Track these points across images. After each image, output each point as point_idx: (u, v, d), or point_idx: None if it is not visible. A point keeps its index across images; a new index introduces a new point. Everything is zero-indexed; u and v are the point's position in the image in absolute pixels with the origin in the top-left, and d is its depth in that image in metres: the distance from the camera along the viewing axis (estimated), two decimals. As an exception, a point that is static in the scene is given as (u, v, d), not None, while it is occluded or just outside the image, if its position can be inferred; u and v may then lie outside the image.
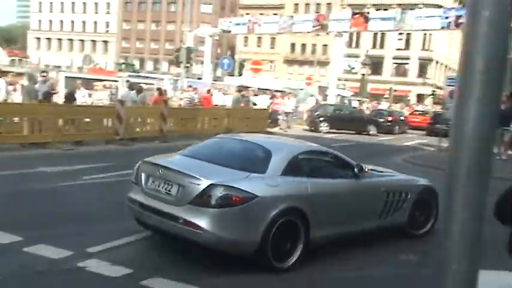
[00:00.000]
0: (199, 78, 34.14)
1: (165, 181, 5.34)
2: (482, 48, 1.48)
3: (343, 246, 6.06)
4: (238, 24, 35.47)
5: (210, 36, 37.11)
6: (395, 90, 55.70)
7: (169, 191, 5.28)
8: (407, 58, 63.90)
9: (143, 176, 5.63)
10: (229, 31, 36.30)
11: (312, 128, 24.49)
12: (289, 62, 72.76)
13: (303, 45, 71.40)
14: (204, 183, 5.03)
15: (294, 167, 5.64)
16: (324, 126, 24.29)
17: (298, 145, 6.53)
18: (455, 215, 1.54)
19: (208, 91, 21.91)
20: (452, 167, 1.52)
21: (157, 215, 5.30)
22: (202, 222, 4.96)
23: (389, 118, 28.56)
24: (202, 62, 39.33)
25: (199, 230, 4.95)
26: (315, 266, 5.49)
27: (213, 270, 5.20)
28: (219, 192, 4.98)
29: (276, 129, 21.85)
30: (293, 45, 72.17)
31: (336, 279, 5.38)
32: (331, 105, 28.56)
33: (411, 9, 33.60)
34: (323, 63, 63.11)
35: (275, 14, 50.23)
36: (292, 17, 35.87)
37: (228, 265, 5.21)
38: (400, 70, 64.84)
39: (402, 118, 31.19)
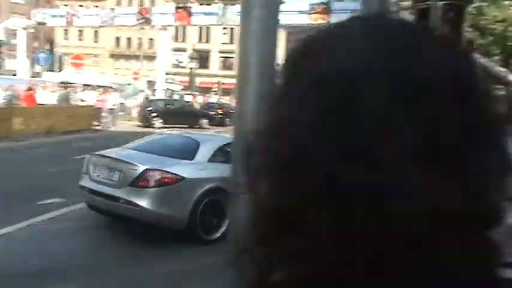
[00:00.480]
0: (14, 75, 31.30)
1: (109, 169, 6.57)
2: (255, 45, 1.61)
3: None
4: (54, 16, 33.13)
5: (24, 28, 34.18)
6: (223, 83, 57.32)
7: (112, 177, 6.49)
8: (233, 52, 66.19)
9: (91, 166, 6.86)
10: (45, 23, 33.80)
11: (146, 124, 24.14)
12: (115, 56, 70.35)
13: (129, 39, 69.59)
14: (140, 168, 6.25)
15: (219, 155, 6.83)
16: (157, 122, 24.11)
17: (223, 138, 7.77)
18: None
19: (30, 89, 20.25)
20: (233, 158, 1.62)
21: (103, 198, 6.48)
22: (140, 201, 6.15)
23: (220, 111, 29.36)
24: (16, 57, 36.09)
25: (137, 207, 6.14)
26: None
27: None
28: (153, 175, 6.20)
29: (99, 127, 21.05)
30: (118, 39, 69.89)
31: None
32: (162, 100, 28.41)
33: (232, 4, 34.74)
34: (150, 58, 62.24)
35: (96, 6, 48.12)
36: (113, 9, 34.70)
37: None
38: (227, 64, 66.85)
39: (232, 110, 32.25)
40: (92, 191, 6.70)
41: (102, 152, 7.09)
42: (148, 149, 7.08)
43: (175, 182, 6.30)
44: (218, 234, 6.43)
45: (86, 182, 6.87)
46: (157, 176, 6.24)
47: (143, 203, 6.14)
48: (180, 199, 6.28)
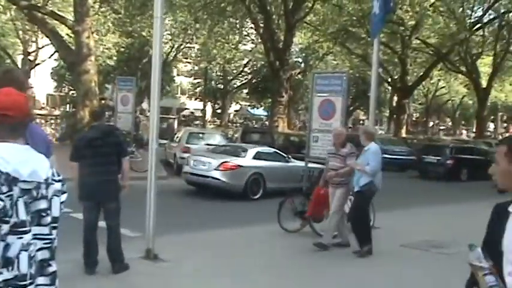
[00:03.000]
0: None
1: (202, 162, 12.93)
2: None
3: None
4: None
5: None
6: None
7: (204, 165, 12.69)
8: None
9: (190, 160, 13.42)
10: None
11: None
12: None
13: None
14: (220, 161, 12.64)
15: (258, 155, 13.37)
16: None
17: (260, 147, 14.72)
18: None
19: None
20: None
21: (199, 177, 12.78)
22: (220, 177, 12.36)
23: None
24: None
25: (218, 180, 12.36)
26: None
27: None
28: (226, 164, 12.62)
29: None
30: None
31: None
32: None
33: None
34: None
35: None
36: None
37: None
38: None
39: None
40: (192, 174, 13.07)
41: (197, 152, 14.61)
42: (221, 151, 14.15)
43: (236, 168, 12.70)
44: (258, 195, 12.83)
45: (187, 169, 13.34)
46: (228, 165, 12.65)
47: (222, 178, 12.46)
48: (240, 177, 12.59)
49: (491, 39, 38.28)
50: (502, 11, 33.79)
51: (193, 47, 40.87)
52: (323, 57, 35.08)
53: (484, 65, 45.48)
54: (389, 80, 36.79)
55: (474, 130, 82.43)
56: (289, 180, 12.62)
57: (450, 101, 66.76)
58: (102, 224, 6.14)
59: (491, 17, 36.07)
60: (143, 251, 6.72)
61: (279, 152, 14.18)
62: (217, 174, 12.39)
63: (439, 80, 51.64)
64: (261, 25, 26.60)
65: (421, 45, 36.13)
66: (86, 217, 6.03)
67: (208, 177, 12.46)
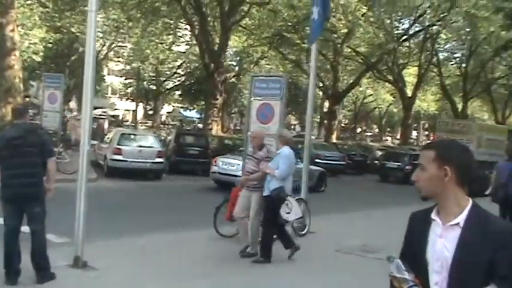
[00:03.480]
0: None
1: (231, 163, 14.96)
2: None
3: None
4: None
5: None
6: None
7: (233, 167, 14.53)
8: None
9: (219, 162, 15.49)
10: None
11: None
12: None
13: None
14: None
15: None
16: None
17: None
18: None
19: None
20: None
21: (229, 176, 14.37)
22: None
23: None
24: None
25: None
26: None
27: None
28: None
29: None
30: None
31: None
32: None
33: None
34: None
35: None
36: None
37: None
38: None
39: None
40: (221, 173, 15.17)
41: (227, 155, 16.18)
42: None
43: None
44: None
45: (215, 169, 15.46)
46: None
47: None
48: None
49: (416, 51, 40.06)
50: (427, 24, 35.41)
51: (126, 46, 39.80)
52: (258, 62, 35.22)
53: (409, 75, 47.54)
54: (322, 86, 37.56)
55: (398, 137, 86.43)
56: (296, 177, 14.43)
57: (377, 109, 69.25)
58: (25, 229, 5.69)
59: (417, 29, 37.77)
60: (71, 258, 6.30)
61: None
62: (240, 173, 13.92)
63: (367, 87, 53.37)
64: (197, 27, 26.27)
65: (351, 54, 37.15)
66: (7, 222, 5.57)
67: (237, 176, 13.45)
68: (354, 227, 10.69)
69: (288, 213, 9.02)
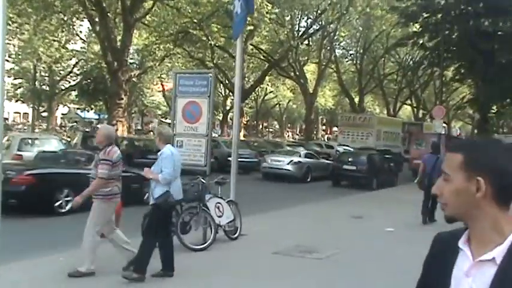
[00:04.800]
0: None
1: (277, 160, 21.99)
2: None
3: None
4: None
5: None
6: None
7: (279, 162, 21.58)
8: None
9: (267, 159, 22.32)
10: None
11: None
12: None
13: None
14: (289, 159, 21.86)
15: (307, 155, 23.83)
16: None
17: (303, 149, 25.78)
18: None
19: None
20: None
21: (276, 169, 21.45)
22: (291, 169, 21.52)
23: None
24: None
25: (289, 171, 21.34)
26: None
27: None
28: (293, 160, 22.01)
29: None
30: None
31: None
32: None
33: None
34: None
35: None
36: None
37: None
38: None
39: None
40: (271, 168, 21.44)
41: (272, 154, 23.40)
42: (285, 152, 24.08)
43: (299, 163, 21.51)
44: (308, 179, 21.54)
45: (265, 165, 21.67)
46: (295, 160, 21.46)
47: (292, 169, 21.04)
48: (300, 168, 21.36)
49: (315, 48, 41.26)
50: (327, 22, 36.52)
51: (15, 44, 36.75)
52: (163, 60, 34.17)
53: (310, 72, 48.94)
54: (227, 83, 37.37)
55: (298, 132, 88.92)
56: (322, 170, 22.35)
57: (278, 105, 70.58)
58: None
59: (316, 27, 38.88)
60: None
61: (313, 153, 24.36)
62: (288, 167, 21.09)
63: (267, 84, 54.19)
64: (98, 23, 24.80)
65: (254, 51, 37.35)
66: None
67: (283, 169, 21.02)
68: (284, 227, 10.49)
69: (220, 216, 8.66)
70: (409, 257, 8.12)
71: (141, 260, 6.24)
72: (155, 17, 29.39)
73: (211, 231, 8.25)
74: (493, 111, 36.50)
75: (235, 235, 8.96)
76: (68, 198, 10.21)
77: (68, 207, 10.17)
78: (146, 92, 53.43)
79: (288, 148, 27.79)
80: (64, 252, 7.23)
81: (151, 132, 59.19)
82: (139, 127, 62.50)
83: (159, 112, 67.91)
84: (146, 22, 29.37)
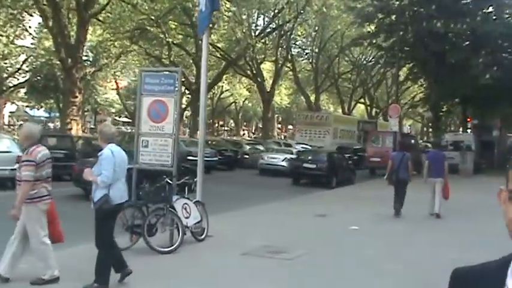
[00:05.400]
0: None
1: (274, 157, 25.18)
2: None
3: None
4: None
5: None
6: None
7: (275, 159, 24.80)
8: None
9: (265, 156, 25.22)
10: None
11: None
12: None
13: None
14: (283, 157, 25.10)
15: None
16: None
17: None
18: None
19: None
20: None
21: (272, 166, 24.41)
22: (286, 164, 24.10)
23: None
24: None
25: (284, 167, 23.94)
26: None
27: None
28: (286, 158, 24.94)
29: None
30: None
31: None
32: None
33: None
34: None
35: None
36: None
37: None
38: None
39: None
40: (267, 164, 24.07)
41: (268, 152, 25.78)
42: (280, 150, 27.18)
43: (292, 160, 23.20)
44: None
45: (262, 162, 24.29)
46: (288, 158, 23.74)
47: (286, 165, 23.11)
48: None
49: (272, 46, 41.37)
50: (285, 20, 36.67)
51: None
52: (118, 57, 33.38)
53: (265, 70, 49.04)
54: (184, 80, 36.97)
55: (254, 130, 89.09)
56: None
57: (234, 104, 70.45)
58: None
59: (273, 26, 38.99)
60: None
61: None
62: (283, 163, 23.42)
63: (223, 83, 53.99)
64: (50, 18, 23.92)
65: (211, 49, 37.06)
66: None
67: (278, 165, 23.29)
68: (250, 226, 10.42)
69: (187, 217, 8.49)
70: (376, 256, 8.23)
71: (101, 271, 5.94)
72: (110, 13, 28.66)
73: (179, 233, 8.07)
74: (444, 110, 37.66)
75: (203, 236, 8.81)
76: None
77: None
78: (99, 89, 52.23)
79: (279, 147, 29.25)
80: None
81: (105, 131, 57.91)
82: (92, 126, 61.04)
83: (113, 110, 66.50)
84: (101, 18, 28.61)
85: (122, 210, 6.37)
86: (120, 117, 70.85)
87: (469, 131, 38.61)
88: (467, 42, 29.39)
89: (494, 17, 29.43)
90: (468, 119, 39.41)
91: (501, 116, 41.70)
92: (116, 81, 49.83)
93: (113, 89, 53.69)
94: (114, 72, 43.88)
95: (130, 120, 53.14)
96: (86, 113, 54.02)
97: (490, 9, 29.93)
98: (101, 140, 6.15)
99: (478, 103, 34.25)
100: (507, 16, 30.02)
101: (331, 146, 29.71)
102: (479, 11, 29.62)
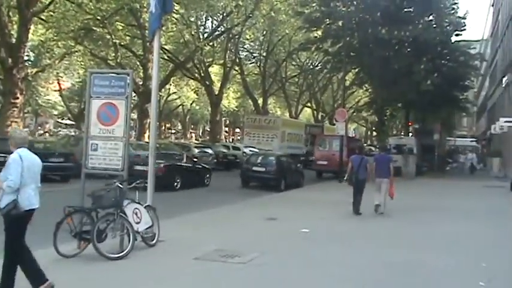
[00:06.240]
0: None
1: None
2: None
3: None
4: None
5: None
6: None
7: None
8: None
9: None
10: None
11: None
12: None
13: None
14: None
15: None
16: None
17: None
18: None
19: None
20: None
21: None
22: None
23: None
24: None
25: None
26: None
27: None
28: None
29: None
30: None
31: None
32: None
33: None
34: None
35: None
36: None
37: None
38: None
39: None
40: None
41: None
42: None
43: None
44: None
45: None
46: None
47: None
48: None
49: (220, 49, 41.32)
50: (233, 24, 36.68)
51: None
52: (62, 57, 32.33)
53: (213, 73, 48.92)
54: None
55: (201, 134, 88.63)
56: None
57: (181, 106, 69.84)
58: None
59: (222, 29, 38.96)
60: None
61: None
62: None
63: (170, 85, 53.47)
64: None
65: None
66: None
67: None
68: (202, 231, 10.33)
69: (138, 222, 8.32)
70: (327, 258, 8.36)
71: (6, 283, 5.66)
72: (54, 12, 27.73)
73: (129, 238, 7.89)
74: (387, 114, 38.80)
75: (154, 241, 8.66)
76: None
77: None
78: (41, 91, 50.49)
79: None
80: None
81: (47, 134, 56.03)
82: (32, 128, 58.87)
83: (55, 112, 64.44)
84: (44, 17, 27.63)
85: (30, 217, 6.04)
86: (63, 119, 68.69)
87: (410, 134, 39.97)
88: (410, 49, 30.43)
89: (434, 26, 30.65)
90: (410, 123, 40.80)
91: (441, 120, 43.49)
92: (58, 83, 48.29)
93: (55, 91, 52.02)
94: (57, 73, 42.54)
95: (74, 123, 51.60)
96: (26, 115, 52.04)
97: (431, 17, 31.17)
98: (12, 144, 5.88)
99: (420, 108, 35.53)
100: (446, 25, 31.32)
101: (279, 150, 29.97)
102: (421, 19, 30.77)
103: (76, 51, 32.61)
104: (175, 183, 18.37)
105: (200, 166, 21.20)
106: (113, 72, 9.63)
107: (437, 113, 40.16)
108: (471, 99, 60.66)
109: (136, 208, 8.26)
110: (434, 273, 7.61)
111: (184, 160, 20.47)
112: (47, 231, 7.41)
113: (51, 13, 27.61)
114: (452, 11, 31.93)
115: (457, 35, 32.12)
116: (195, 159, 22.05)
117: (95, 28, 28.61)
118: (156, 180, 9.58)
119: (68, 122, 62.25)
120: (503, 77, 35.62)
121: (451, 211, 15.19)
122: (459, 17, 31.99)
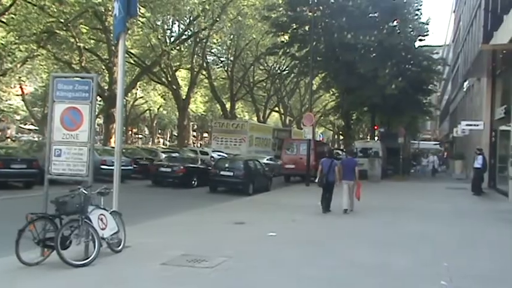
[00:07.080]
0: None
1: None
2: None
3: None
4: None
5: None
6: None
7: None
8: None
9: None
10: None
11: None
12: None
13: None
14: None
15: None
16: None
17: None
18: None
19: None
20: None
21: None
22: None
23: None
24: None
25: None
26: None
27: None
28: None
29: None
30: None
31: None
32: None
33: None
34: None
35: None
36: None
37: None
38: None
39: None
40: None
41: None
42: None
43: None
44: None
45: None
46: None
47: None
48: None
49: (187, 54, 41.14)
50: (200, 28, 36.58)
51: None
52: (24, 61, 31.57)
53: (180, 77, 48.65)
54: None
55: (169, 138, 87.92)
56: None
57: (149, 111, 69.17)
58: None
59: (189, 33, 38.80)
60: None
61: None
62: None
63: (137, 90, 52.91)
64: None
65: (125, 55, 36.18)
66: None
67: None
68: (168, 236, 10.24)
69: (103, 228, 8.18)
70: (295, 260, 8.40)
71: None
72: (15, 15, 27.08)
73: (94, 244, 7.76)
74: (354, 118, 39.27)
75: (120, 247, 8.53)
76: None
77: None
78: (2, 95, 49.22)
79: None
80: None
81: (9, 139, 54.58)
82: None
83: (18, 117, 62.94)
84: (5, 20, 26.95)
85: None
86: (25, 124, 67.11)
87: (376, 138, 40.59)
88: (375, 54, 30.93)
89: (398, 31, 31.25)
90: (375, 127, 41.46)
91: (405, 124, 44.34)
92: (21, 87, 47.16)
93: (17, 95, 50.79)
94: (20, 77, 41.55)
95: (37, 128, 50.46)
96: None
97: (395, 23, 31.76)
98: None
99: (385, 111, 36.14)
100: (410, 30, 31.99)
101: (247, 154, 30.02)
102: (385, 24, 31.33)
103: (39, 55, 31.93)
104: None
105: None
106: (77, 76, 9.46)
107: (402, 117, 40.96)
108: (434, 103, 62.13)
109: (101, 214, 8.13)
110: (399, 273, 7.74)
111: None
112: (9, 239, 7.24)
113: (13, 16, 26.97)
114: (416, 17, 32.62)
115: (420, 40, 32.87)
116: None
117: (58, 31, 28.05)
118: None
119: (31, 127, 60.87)
120: (465, 81, 36.61)
121: (416, 212, 15.50)
122: (422, 23, 32.70)
